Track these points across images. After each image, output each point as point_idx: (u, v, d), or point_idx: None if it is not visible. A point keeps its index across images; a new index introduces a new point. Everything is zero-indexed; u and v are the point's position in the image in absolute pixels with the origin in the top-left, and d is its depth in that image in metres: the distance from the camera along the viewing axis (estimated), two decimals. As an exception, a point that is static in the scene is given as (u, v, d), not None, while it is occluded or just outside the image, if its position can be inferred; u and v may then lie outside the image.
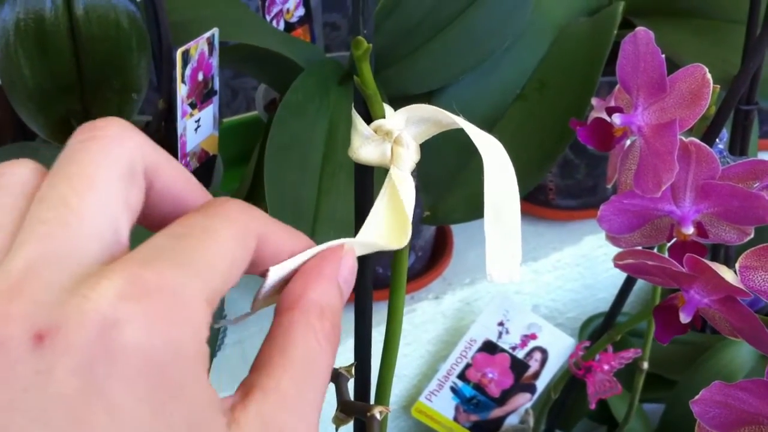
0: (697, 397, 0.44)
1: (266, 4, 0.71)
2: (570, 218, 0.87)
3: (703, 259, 0.46)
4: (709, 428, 0.47)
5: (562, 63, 0.67)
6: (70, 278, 0.20)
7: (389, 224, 0.31)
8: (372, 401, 0.40)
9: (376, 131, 0.32)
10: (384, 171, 0.33)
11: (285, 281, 0.26)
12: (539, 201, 0.87)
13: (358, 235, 0.30)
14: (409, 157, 0.32)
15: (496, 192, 0.32)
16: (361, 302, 0.40)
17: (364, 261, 0.39)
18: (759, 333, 0.47)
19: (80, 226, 0.21)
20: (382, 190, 0.32)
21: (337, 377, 0.38)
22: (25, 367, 0.18)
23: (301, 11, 0.75)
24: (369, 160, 0.32)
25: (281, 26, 0.73)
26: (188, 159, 0.59)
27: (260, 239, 0.25)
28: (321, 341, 0.25)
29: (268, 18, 0.72)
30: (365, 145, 0.32)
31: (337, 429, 0.38)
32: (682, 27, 0.74)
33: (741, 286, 0.45)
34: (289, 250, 0.26)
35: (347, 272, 0.27)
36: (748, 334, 0.48)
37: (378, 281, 0.71)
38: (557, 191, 0.86)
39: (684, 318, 0.48)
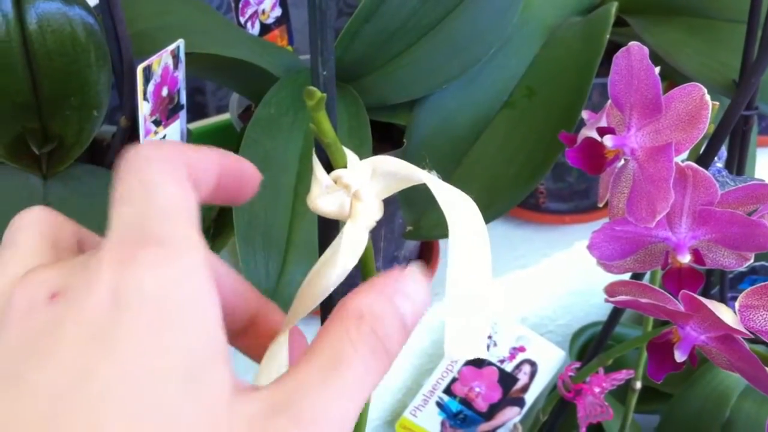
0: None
1: (240, 5, 0.67)
2: (561, 222, 0.84)
3: (700, 297, 0.43)
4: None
5: (551, 69, 0.64)
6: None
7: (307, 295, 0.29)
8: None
9: (336, 181, 0.29)
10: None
11: None
12: (529, 205, 0.83)
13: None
14: (368, 214, 0.29)
15: (461, 259, 0.28)
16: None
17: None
18: (758, 373, 0.44)
19: None
20: (331, 247, 0.29)
21: None
22: (41, 317, 0.22)
23: (277, 11, 0.71)
24: (327, 212, 0.30)
25: (256, 28, 0.69)
26: (154, 179, 0.56)
27: (190, 162, 0.25)
28: (355, 344, 0.24)
29: (242, 20, 0.68)
30: (324, 195, 0.30)
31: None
32: (678, 26, 0.70)
33: (740, 326, 0.42)
34: (217, 161, 0.27)
35: (412, 288, 0.25)
36: (747, 374, 0.45)
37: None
38: (548, 195, 0.83)
39: (679, 356, 0.45)
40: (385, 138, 0.68)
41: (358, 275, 0.34)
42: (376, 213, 0.29)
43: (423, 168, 0.30)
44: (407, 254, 0.74)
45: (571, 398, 0.61)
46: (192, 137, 0.61)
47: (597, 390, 0.61)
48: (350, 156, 0.30)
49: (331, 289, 0.28)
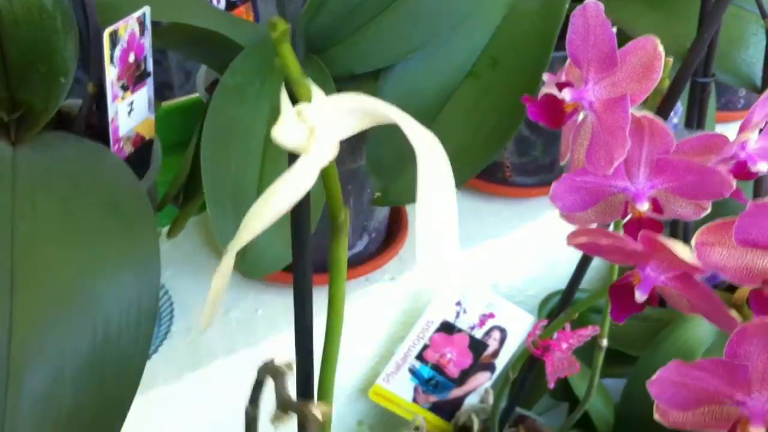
0: (653, 377, 0.43)
1: (205, -20, 0.68)
2: (527, 195, 0.85)
3: (658, 236, 0.45)
4: (667, 408, 0.46)
5: (513, 40, 0.65)
6: None
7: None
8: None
9: (298, 115, 0.30)
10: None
11: None
12: (496, 179, 0.85)
13: None
14: (321, 152, 0.30)
15: (429, 190, 0.30)
16: (300, 291, 0.37)
17: (301, 244, 0.37)
18: (717, 310, 0.45)
19: None
20: (281, 177, 0.30)
21: (275, 373, 0.36)
22: None
23: (243, -12, 0.72)
24: (286, 144, 0.30)
25: (222, 5, 0.70)
26: (121, 144, 0.56)
27: None
28: None
29: (208, -5, 0.69)
30: (286, 127, 0.30)
31: (276, 428, 0.36)
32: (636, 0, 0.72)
33: (697, 263, 0.44)
34: None
35: None
36: (706, 311, 0.46)
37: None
38: (514, 169, 0.84)
39: (639, 296, 0.47)
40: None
41: (327, 233, 0.35)
42: (329, 152, 0.30)
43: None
44: (376, 225, 0.75)
45: (539, 355, 0.62)
46: (160, 112, 0.62)
47: (564, 346, 0.62)
48: (316, 92, 0.31)
49: (275, 218, 0.29)
